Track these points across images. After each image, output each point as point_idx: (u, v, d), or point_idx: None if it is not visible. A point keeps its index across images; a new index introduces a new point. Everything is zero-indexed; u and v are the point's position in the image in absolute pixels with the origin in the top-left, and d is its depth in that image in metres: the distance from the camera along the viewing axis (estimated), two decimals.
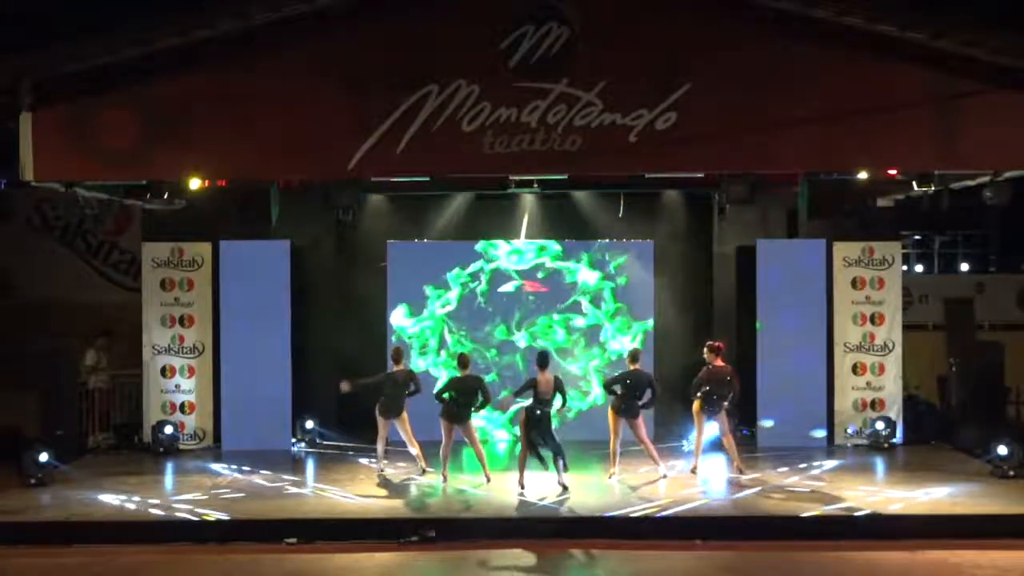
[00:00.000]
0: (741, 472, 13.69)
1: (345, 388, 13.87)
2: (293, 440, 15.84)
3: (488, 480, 13.24)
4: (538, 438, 12.79)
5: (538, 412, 12.79)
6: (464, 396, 13.28)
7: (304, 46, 12.82)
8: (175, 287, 15.97)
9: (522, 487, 12.75)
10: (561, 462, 12.78)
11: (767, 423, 15.64)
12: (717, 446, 14.17)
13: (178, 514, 11.90)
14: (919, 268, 21.80)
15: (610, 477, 13.41)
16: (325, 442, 16.02)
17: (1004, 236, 21.74)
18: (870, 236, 15.95)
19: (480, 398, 13.29)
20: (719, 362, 13.70)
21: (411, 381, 13.75)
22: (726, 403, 13.73)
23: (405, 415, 13.82)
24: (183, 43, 12.57)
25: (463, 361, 13.55)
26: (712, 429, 13.92)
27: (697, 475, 13.65)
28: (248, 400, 15.73)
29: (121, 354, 16.71)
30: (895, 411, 15.80)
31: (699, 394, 13.67)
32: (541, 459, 12.87)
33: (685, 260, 17.12)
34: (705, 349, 13.83)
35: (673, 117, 12.76)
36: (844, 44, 12.65)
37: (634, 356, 13.64)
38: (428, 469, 13.76)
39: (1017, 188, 13.69)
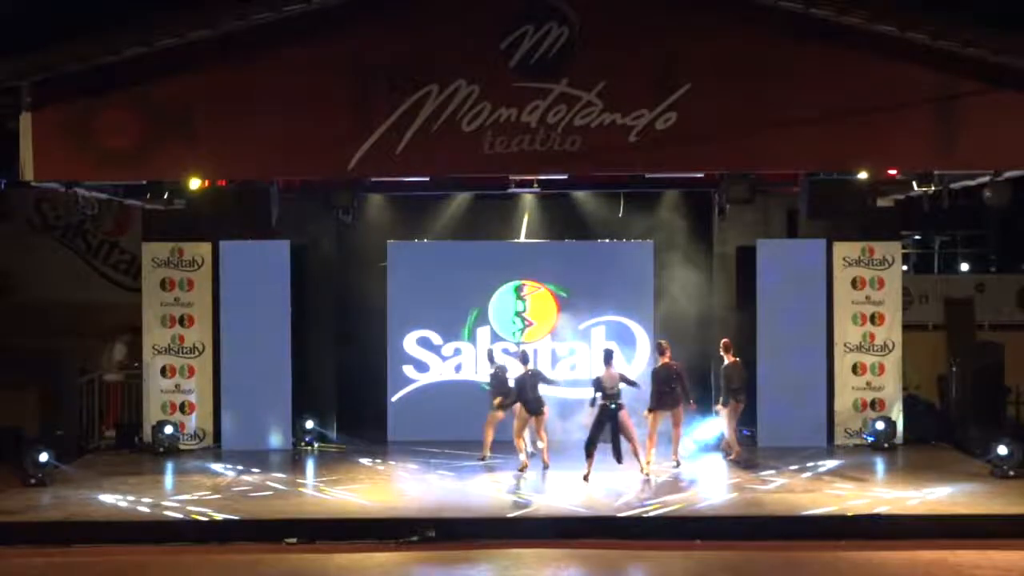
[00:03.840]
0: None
1: (499, 403, 14.22)
2: (295, 439, 15.84)
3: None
4: (612, 430, 13.21)
5: (612, 406, 13.20)
6: (496, 388, 14.17)
7: (304, 46, 12.81)
8: (175, 287, 15.95)
9: (586, 480, 13.15)
10: (640, 451, 13.45)
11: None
12: (716, 445, 14.28)
13: (178, 514, 11.90)
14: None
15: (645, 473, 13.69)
16: (325, 442, 16.02)
17: (1004, 236, 21.70)
18: (870, 236, 15.94)
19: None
20: (731, 358, 14.08)
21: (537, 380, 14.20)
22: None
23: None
24: (183, 43, 12.57)
25: (490, 356, 14.46)
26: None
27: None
28: (248, 400, 15.73)
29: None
30: (895, 411, 15.79)
31: (730, 393, 14.14)
32: (591, 455, 13.24)
33: (685, 260, 17.11)
34: (722, 348, 14.20)
35: (673, 117, 12.75)
36: (844, 44, 12.64)
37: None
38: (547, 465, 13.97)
39: (1017, 188, 13.69)
